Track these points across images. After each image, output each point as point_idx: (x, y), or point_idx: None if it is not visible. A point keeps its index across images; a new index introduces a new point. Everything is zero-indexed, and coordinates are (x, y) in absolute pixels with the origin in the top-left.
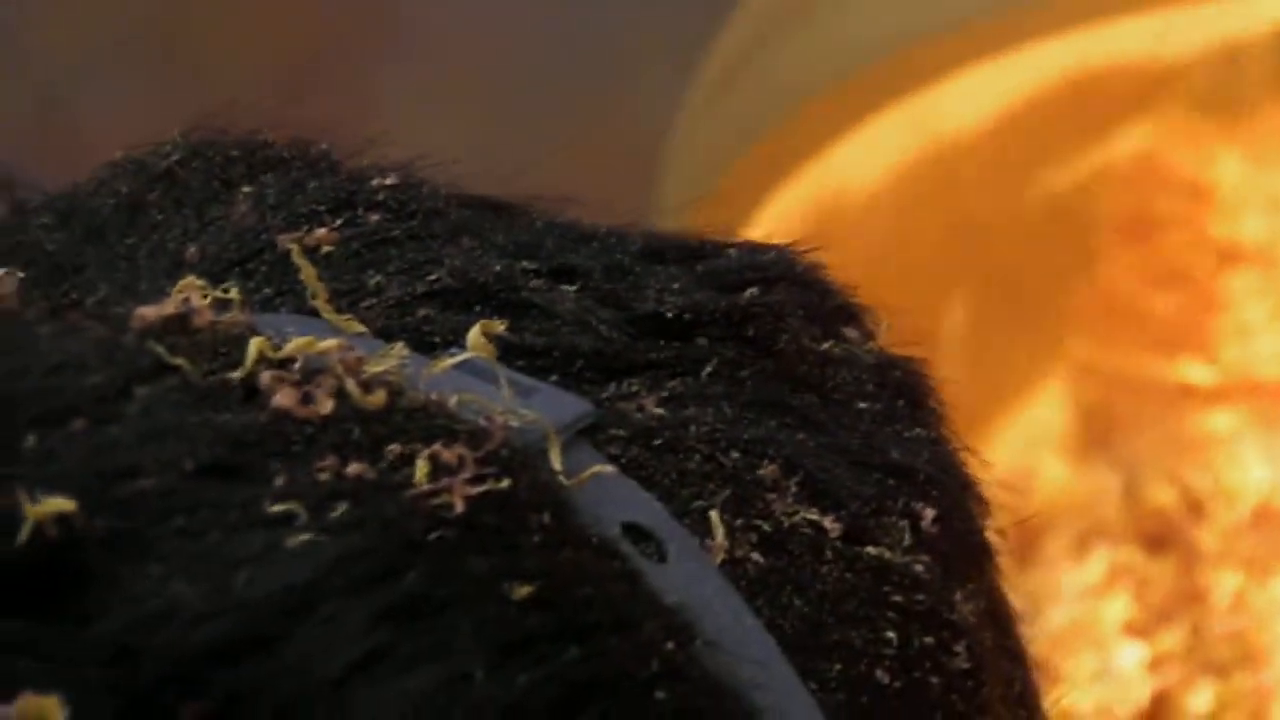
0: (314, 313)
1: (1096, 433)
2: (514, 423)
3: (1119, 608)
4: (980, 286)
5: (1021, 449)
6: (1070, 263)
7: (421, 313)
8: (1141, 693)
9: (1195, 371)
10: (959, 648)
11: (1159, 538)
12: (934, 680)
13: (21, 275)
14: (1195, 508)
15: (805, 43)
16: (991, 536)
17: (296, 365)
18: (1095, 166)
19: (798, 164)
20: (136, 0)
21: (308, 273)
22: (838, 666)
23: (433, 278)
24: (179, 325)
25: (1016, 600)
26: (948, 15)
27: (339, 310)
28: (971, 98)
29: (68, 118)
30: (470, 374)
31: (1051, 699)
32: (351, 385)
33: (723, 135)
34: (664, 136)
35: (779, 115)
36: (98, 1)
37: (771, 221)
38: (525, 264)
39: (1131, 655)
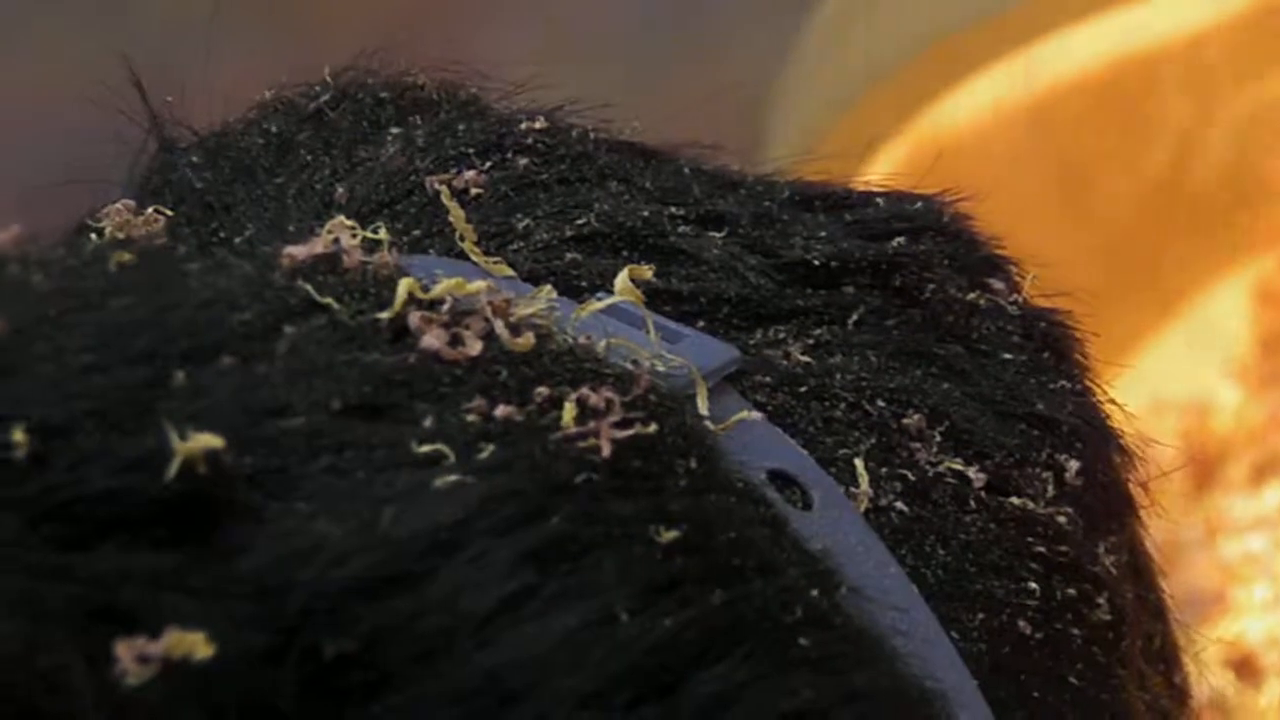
0: (462, 255)
1: (1276, 360)
2: (661, 368)
3: None
4: (1155, 206)
5: (1198, 375)
6: (1256, 185)
7: (569, 256)
8: None
9: None
10: (1101, 600)
11: None
12: (1075, 632)
13: (171, 212)
14: None
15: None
16: (1134, 489)
17: (445, 307)
18: None
19: (909, 115)
20: None
21: (456, 215)
22: (980, 616)
23: (581, 222)
24: (328, 265)
25: (1191, 530)
26: None
27: (487, 253)
28: (1162, 18)
29: (172, 78)
30: (618, 318)
31: (1224, 628)
32: (500, 327)
33: (830, 91)
34: (772, 90)
35: (890, 67)
36: None
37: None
38: (673, 209)
39: None
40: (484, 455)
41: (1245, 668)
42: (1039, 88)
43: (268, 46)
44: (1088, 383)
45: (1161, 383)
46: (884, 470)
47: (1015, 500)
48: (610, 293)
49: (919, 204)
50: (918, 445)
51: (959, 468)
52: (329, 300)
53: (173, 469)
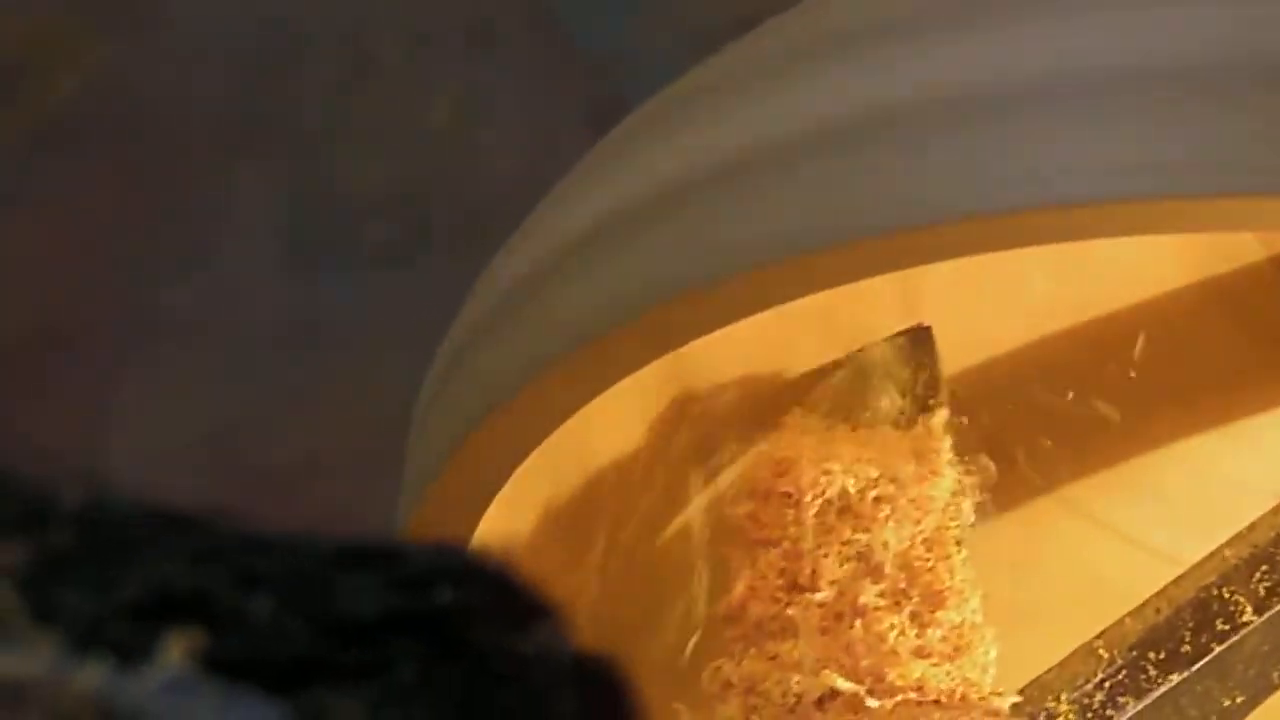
0: (11, 634)
1: None
2: None
3: None
4: None
5: None
6: None
7: (118, 627)
8: None
9: None
10: None
11: None
12: None
13: None
14: None
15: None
16: None
17: None
18: None
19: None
20: None
21: (1, 595)
22: None
23: (127, 592)
24: None
25: None
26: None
27: (36, 629)
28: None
29: None
30: (172, 687)
31: None
32: (56, 705)
33: (457, 412)
34: (412, 414)
35: (512, 388)
36: None
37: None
38: (216, 574)
39: None
40: None
41: None
42: None
43: None
44: None
45: None
46: None
47: None
48: (163, 661)
49: (461, 555)
50: None
51: None
52: None
53: None
